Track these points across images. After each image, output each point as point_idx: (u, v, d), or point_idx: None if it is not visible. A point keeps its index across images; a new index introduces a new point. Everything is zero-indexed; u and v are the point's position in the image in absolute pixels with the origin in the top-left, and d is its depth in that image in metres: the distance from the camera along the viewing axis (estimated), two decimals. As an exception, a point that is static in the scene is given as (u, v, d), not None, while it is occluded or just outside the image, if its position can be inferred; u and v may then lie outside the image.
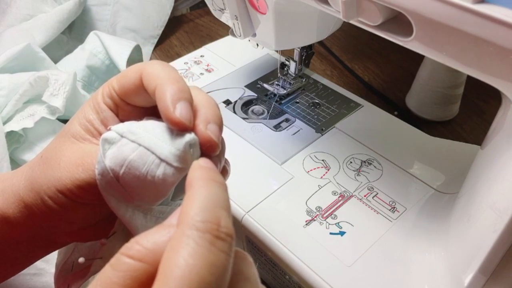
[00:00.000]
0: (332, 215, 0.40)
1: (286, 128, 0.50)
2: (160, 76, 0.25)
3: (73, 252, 0.30)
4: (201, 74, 0.59)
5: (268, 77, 0.57)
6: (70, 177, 0.25)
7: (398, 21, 0.29)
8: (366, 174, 0.44)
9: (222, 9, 0.47)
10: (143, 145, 0.24)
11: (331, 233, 0.39)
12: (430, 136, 0.48)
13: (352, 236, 0.39)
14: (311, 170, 0.45)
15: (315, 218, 0.40)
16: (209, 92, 0.56)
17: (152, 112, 0.27)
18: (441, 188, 0.42)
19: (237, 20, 0.44)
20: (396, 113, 0.61)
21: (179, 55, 0.69)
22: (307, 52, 0.50)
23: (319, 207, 0.41)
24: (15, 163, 0.54)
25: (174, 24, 0.84)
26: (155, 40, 0.80)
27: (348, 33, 0.79)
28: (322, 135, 0.49)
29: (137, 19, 0.78)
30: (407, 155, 0.46)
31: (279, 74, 0.53)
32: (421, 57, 0.61)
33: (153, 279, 0.17)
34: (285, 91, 0.53)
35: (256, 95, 0.55)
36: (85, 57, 0.65)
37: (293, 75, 0.52)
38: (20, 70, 0.59)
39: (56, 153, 0.27)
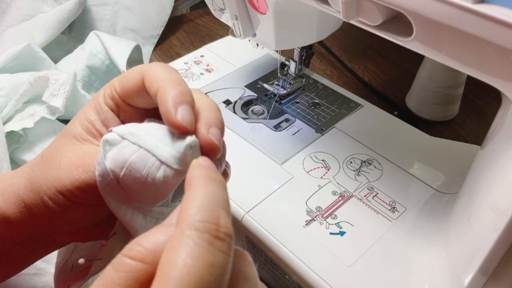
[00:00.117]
0: (332, 215, 0.40)
1: (286, 128, 0.50)
2: (162, 78, 0.25)
3: (73, 253, 0.30)
4: (201, 74, 0.59)
5: (268, 77, 0.57)
6: (70, 178, 0.25)
7: (398, 21, 0.29)
8: (366, 174, 0.44)
9: (222, 9, 0.47)
10: (143, 147, 0.24)
11: (331, 233, 0.39)
12: (430, 136, 0.48)
13: (352, 236, 0.39)
14: (311, 170, 0.45)
15: (315, 218, 0.40)
16: (209, 92, 0.56)
17: (153, 113, 0.27)
18: (441, 188, 0.42)
19: (237, 20, 0.44)
20: (396, 113, 0.61)
21: (179, 55, 0.69)
22: (307, 52, 0.50)
23: (319, 207, 0.41)
24: (15, 163, 0.54)
25: (174, 24, 0.84)
26: (155, 40, 0.80)
27: (348, 33, 0.79)
28: (322, 135, 0.49)
29: (137, 19, 0.78)
30: (407, 155, 0.46)
31: (279, 74, 0.53)
32: (421, 57, 0.60)
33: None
34: (285, 91, 0.53)
35: (256, 95, 0.55)
36: (85, 57, 0.65)
37: (293, 75, 0.52)
38: (20, 70, 0.59)
39: (57, 154, 0.27)
